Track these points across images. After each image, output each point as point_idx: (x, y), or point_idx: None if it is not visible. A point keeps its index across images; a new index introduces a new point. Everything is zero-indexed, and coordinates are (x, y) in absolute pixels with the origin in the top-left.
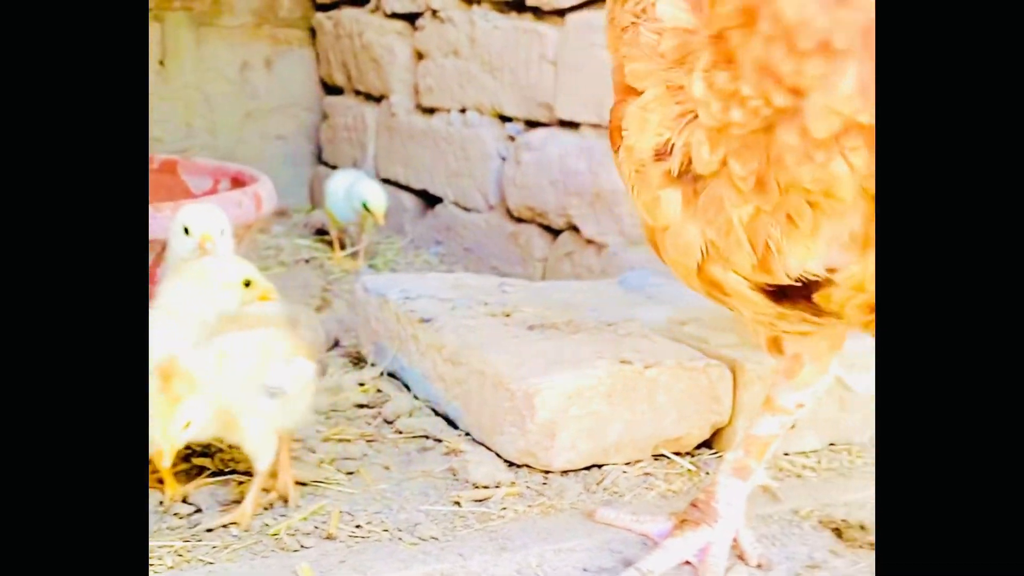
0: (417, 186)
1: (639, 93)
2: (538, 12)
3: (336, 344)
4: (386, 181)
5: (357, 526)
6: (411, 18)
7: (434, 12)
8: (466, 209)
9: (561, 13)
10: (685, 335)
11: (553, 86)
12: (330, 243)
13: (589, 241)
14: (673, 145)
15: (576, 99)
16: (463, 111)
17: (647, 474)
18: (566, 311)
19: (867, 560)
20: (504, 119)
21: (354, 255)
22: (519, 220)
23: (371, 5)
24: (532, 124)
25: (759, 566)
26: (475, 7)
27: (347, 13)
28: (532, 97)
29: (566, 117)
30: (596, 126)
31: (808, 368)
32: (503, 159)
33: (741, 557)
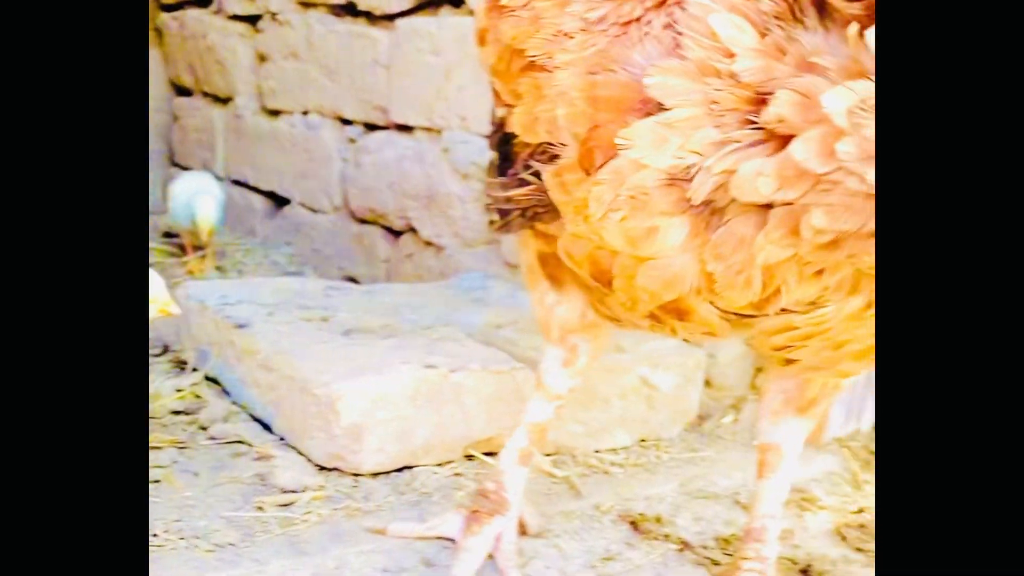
0: (266, 187)
1: (628, 110)
2: (370, 17)
3: (165, 350)
4: (236, 183)
5: (154, 535)
6: (252, 20)
7: (273, 15)
8: (313, 210)
9: (391, 18)
10: (498, 338)
11: (387, 90)
12: (179, 246)
13: (427, 243)
14: (698, 171)
15: (408, 103)
16: (305, 113)
17: (458, 475)
18: (386, 315)
19: (660, 551)
20: (345, 122)
21: (203, 257)
22: (362, 221)
23: (213, 6)
24: (371, 127)
25: (539, 535)
26: (311, 11)
27: (191, 14)
28: (368, 100)
29: (400, 120)
30: (428, 129)
31: (583, 359)
32: (345, 161)
33: (523, 530)
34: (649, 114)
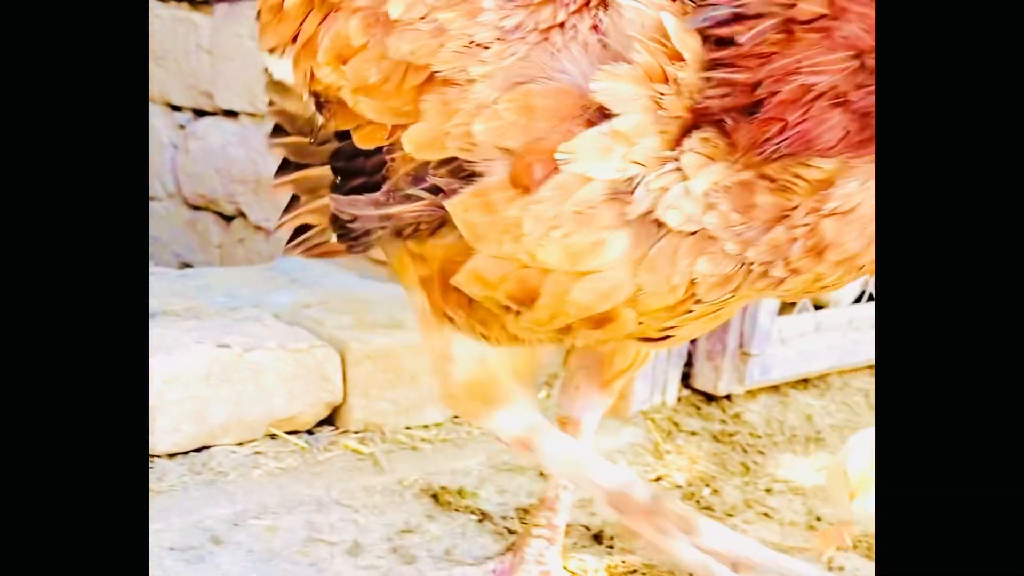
0: None
1: (568, 118)
2: (192, 1)
3: None
4: None
5: None
6: None
7: None
8: (149, 197)
9: (209, 2)
10: (304, 318)
11: (211, 75)
12: None
13: (257, 227)
14: (639, 184)
15: (232, 88)
16: None
17: (258, 453)
18: (195, 298)
19: (459, 522)
20: (174, 107)
21: None
22: (195, 208)
23: None
24: (199, 113)
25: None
26: None
27: None
28: (195, 86)
29: (225, 106)
30: (252, 115)
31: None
32: (175, 148)
33: None
34: (590, 122)
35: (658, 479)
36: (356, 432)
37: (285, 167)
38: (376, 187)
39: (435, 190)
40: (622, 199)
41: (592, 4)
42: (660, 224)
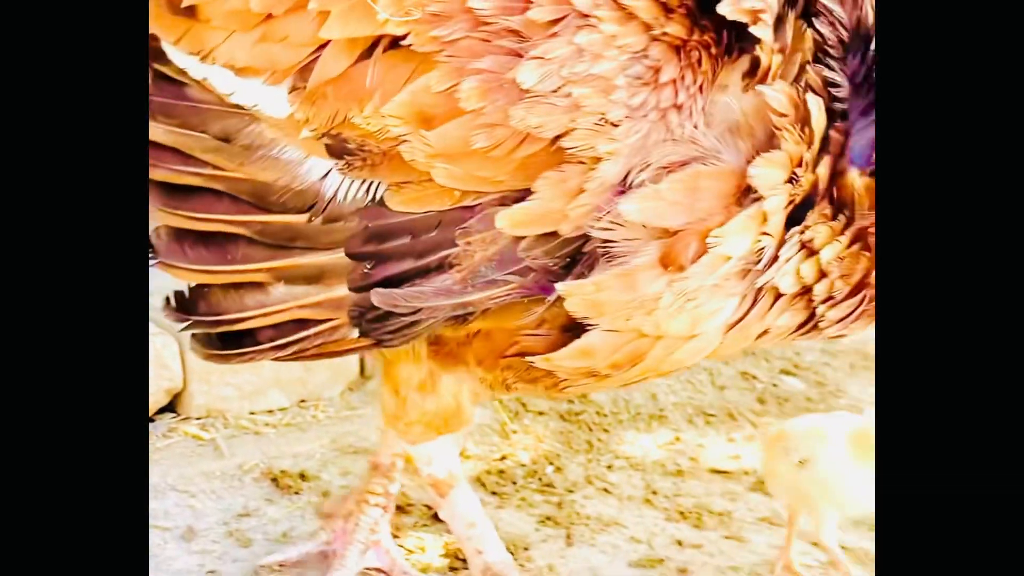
0: None
1: (730, 197)
2: None
3: None
4: None
5: None
6: None
7: None
8: None
9: None
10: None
11: None
12: None
13: None
14: (767, 255)
15: None
16: None
17: None
18: None
19: (300, 504)
20: None
21: None
22: None
23: None
24: None
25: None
26: None
27: None
28: None
29: None
30: None
31: None
32: None
33: None
34: (740, 202)
35: (503, 458)
36: (198, 418)
37: (213, 241)
38: (429, 272)
39: (524, 272)
40: (748, 268)
41: (703, 87)
42: (760, 288)
